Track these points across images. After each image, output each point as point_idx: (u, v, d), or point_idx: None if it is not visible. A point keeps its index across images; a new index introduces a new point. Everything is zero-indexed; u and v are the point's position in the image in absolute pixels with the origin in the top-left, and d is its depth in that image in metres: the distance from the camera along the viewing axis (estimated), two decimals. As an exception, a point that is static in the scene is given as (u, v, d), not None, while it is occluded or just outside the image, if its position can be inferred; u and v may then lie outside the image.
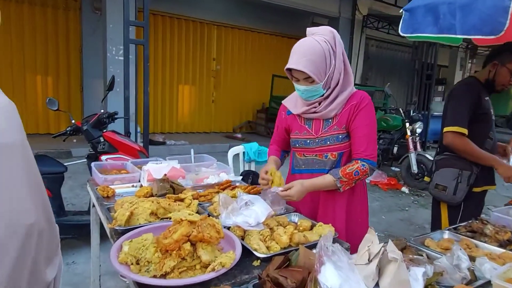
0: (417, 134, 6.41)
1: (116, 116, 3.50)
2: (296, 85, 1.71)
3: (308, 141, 1.78)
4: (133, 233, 1.38)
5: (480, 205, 2.49)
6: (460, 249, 1.37)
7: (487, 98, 2.35)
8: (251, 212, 1.44)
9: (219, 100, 9.94)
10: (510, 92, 19.12)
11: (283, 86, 10.10)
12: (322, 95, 1.69)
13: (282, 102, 1.93)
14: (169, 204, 1.65)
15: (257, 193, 1.96)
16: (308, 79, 1.63)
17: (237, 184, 2.19)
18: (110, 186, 1.99)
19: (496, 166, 2.27)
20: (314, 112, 1.75)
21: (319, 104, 1.72)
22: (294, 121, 1.85)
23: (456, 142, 2.27)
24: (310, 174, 1.78)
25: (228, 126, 10.16)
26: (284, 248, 1.36)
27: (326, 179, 1.67)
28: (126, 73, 4.04)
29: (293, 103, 1.86)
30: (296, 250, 1.32)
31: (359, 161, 1.67)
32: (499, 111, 17.30)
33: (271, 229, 1.47)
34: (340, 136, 1.73)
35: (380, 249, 1.12)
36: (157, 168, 2.04)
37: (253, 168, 3.71)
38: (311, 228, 1.56)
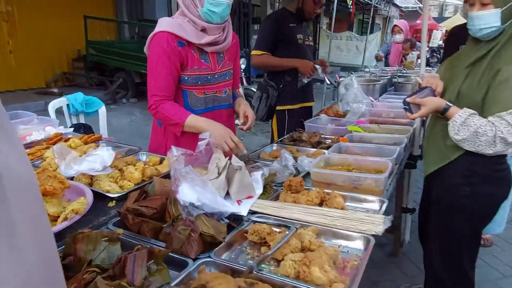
0: (241, 70, 6.96)
1: None
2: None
3: (209, 77, 1.68)
4: None
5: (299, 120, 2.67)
6: (286, 151, 1.68)
7: (293, 25, 2.67)
8: (95, 158, 1.37)
9: (18, 49, 8.13)
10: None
11: (99, 29, 9.06)
12: None
13: (164, 29, 1.56)
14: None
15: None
16: None
17: (70, 136, 1.98)
18: None
19: (296, 65, 2.65)
20: (216, 44, 1.64)
21: (223, 31, 1.65)
22: (190, 54, 1.61)
23: (257, 60, 2.67)
24: (211, 112, 1.74)
25: (39, 81, 8.59)
26: (138, 184, 1.37)
27: None
28: None
29: (184, 31, 1.57)
30: (150, 183, 1.36)
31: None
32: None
33: (120, 170, 1.44)
34: (231, 71, 1.79)
35: (226, 162, 1.27)
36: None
37: (82, 121, 3.37)
38: (161, 162, 1.60)
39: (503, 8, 1.36)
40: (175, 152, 1.33)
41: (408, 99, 1.59)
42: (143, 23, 9.03)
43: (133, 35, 9.58)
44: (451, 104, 1.48)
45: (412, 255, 2.64)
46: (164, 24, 1.60)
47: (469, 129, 1.40)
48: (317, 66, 2.65)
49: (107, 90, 7.78)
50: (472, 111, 1.43)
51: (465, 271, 1.64)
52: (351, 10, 13.10)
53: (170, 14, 9.07)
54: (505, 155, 1.52)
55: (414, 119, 1.65)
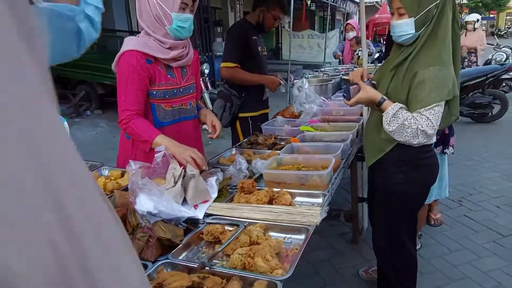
0: (206, 75, 7.04)
1: None
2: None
3: (175, 91, 1.81)
4: None
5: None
6: (240, 156, 1.82)
7: (255, 37, 2.83)
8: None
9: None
10: (272, 31, 22.75)
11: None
12: None
13: (132, 48, 1.67)
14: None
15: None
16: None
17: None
18: None
19: (264, 82, 2.84)
20: (181, 58, 1.78)
21: (185, 46, 1.78)
22: (157, 71, 1.73)
23: (228, 73, 2.76)
24: (178, 123, 1.85)
25: (-3, 99, 8.30)
26: (100, 198, 1.47)
27: None
28: None
29: (151, 48, 1.68)
30: (111, 196, 1.45)
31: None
32: (268, 46, 20.52)
33: (82, 186, 1.52)
34: (194, 85, 1.92)
35: (181, 171, 1.39)
36: None
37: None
38: (122, 175, 1.70)
39: (416, 18, 1.56)
40: (133, 165, 1.44)
41: (351, 78, 1.76)
42: (103, 34, 8.87)
43: (92, 45, 9.38)
44: (386, 98, 1.66)
45: (371, 241, 2.85)
46: (131, 43, 1.70)
47: (398, 121, 1.59)
48: (282, 83, 2.88)
49: (70, 103, 7.63)
50: (402, 105, 1.62)
51: (407, 249, 1.84)
52: (309, 8, 13.43)
53: (129, 23, 9.01)
54: (431, 145, 1.73)
55: (352, 105, 1.80)
